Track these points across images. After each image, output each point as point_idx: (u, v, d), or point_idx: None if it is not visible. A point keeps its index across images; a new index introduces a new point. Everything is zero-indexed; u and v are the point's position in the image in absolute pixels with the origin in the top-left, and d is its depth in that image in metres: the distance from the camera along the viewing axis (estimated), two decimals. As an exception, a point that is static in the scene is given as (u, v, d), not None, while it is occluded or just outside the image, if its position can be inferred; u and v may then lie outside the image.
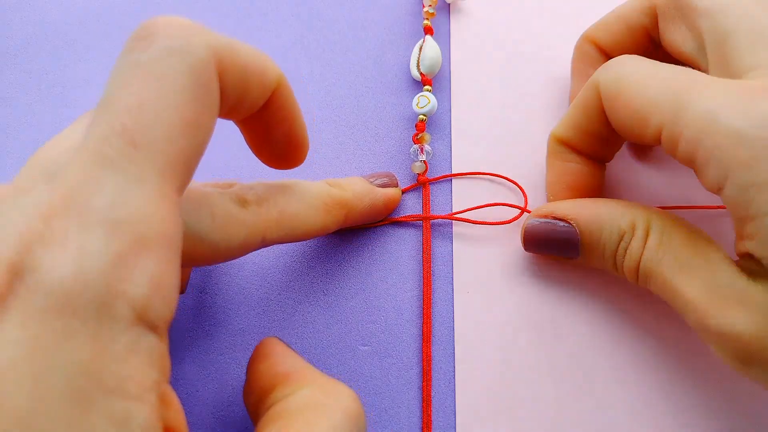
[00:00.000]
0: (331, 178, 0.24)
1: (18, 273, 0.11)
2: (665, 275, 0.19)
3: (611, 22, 0.25)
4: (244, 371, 0.19)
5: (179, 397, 0.22)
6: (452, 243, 0.25)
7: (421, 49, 0.28)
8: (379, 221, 0.25)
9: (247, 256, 0.25)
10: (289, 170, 0.22)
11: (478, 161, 0.27)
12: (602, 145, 0.23)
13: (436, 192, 0.26)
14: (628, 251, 0.21)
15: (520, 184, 0.26)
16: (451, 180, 0.27)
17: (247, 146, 0.20)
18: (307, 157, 0.21)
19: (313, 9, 0.31)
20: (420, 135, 0.26)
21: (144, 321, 0.12)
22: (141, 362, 0.12)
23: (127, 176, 0.12)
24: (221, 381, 0.23)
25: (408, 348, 0.23)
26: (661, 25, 0.23)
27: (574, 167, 0.23)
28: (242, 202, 0.18)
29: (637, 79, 0.20)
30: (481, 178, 0.26)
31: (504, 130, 0.27)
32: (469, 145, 0.27)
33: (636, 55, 0.21)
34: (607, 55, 0.25)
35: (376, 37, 0.30)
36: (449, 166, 0.27)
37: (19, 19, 0.32)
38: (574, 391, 0.22)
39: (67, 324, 0.11)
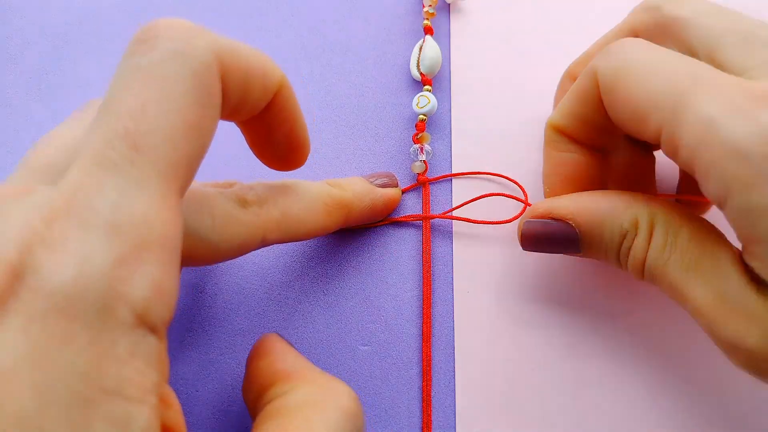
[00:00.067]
0: (331, 178, 0.24)
1: (19, 275, 0.11)
2: (672, 277, 0.18)
3: (592, 56, 0.23)
4: (244, 371, 0.19)
5: (179, 397, 0.22)
6: (452, 243, 0.25)
7: (421, 49, 0.28)
8: (379, 221, 0.25)
9: (247, 256, 0.25)
10: (290, 171, 0.22)
11: (478, 161, 0.27)
12: (601, 135, 0.22)
13: (436, 192, 0.26)
14: (632, 251, 0.20)
15: (520, 183, 0.26)
16: (451, 180, 0.27)
17: (247, 147, 0.20)
18: (307, 158, 0.21)
19: (313, 9, 0.31)
20: (420, 135, 0.26)
21: (144, 323, 0.12)
22: (141, 364, 0.12)
23: (129, 179, 0.12)
24: (221, 381, 0.23)
25: (408, 348, 0.23)
26: None
27: (572, 158, 0.22)
28: (243, 202, 0.18)
29: (638, 71, 0.18)
30: (481, 178, 0.26)
31: (504, 130, 0.27)
32: (469, 145, 0.27)
33: (639, 40, 0.20)
34: None
35: (376, 37, 0.30)
36: (449, 166, 0.27)
37: (19, 19, 0.32)
38: (574, 390, 0.22)
39: (69, 327, 0.11)
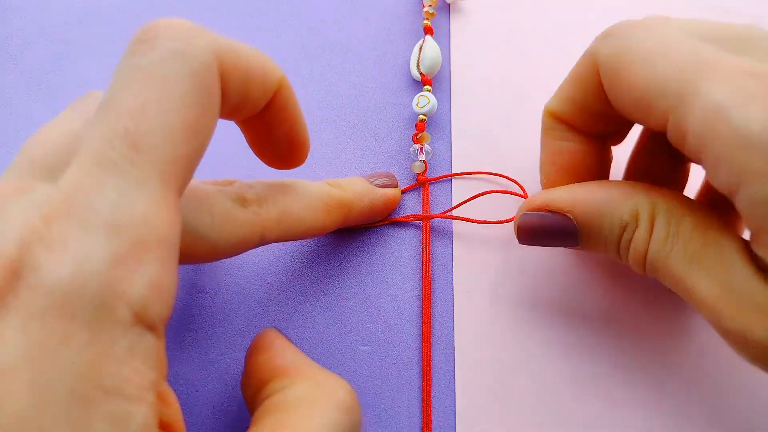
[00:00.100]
0: (331, 178, 0.24)
1: (18, 273, 0.11)
2: (675, 269, 0.18)
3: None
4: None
5: (179, 397, 0.22)
6: (452, 243, 0.25)
7: (421, 49, 0.28)
8: (379, 221, 0.25)
9: (246, 256, 0.25)
10: (289, 170, 0.22)
11: (478, 161, 0.27)
12: (600, 122, 0.21)
13: (436, 192, 0.26)
14: (632, 243, 0.19)
15: (520, 183, 0.26)
16: (451, 180, 0.27)
17: (246, 145, 0.20)
18: (308, 157, 0.21)
19: (313, 9, 0.31)
20: (420, 135, 0.26)
21: (143, 322, 0.12)
22: (140, 363, 0.12)
23: (128, 179, 0.12)
24: (221, 381, 0.23)
25: (408, 348, 0.23)
26: None
27: (570, 147, 0.21)
28: (242, 201, 0.18)
29: (641, 55, 0.17)
30: (481, 178, 0.26)
31: (504, 130, 0.27)
32: (469, 145, 0.27)
33: (640, 21, 0.19)
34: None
35: (376, 37, 0.30)
36: (449, 166, 0.27)
37: (19, 19, 0.32)
38: (574, 390, 0.22)
39: (67, 326, 0.11)
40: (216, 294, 0.24)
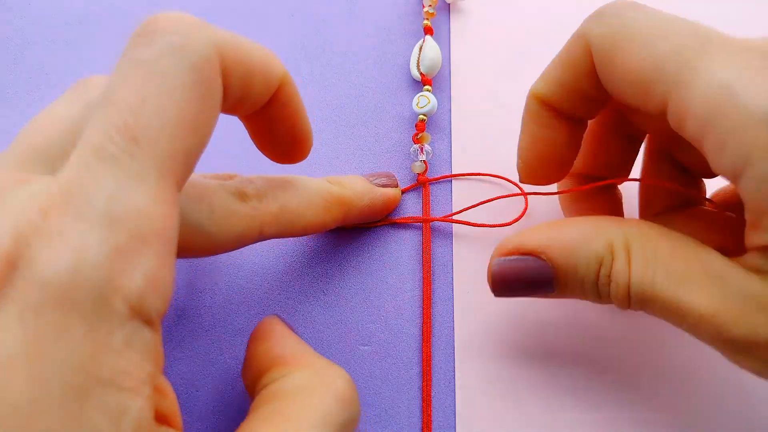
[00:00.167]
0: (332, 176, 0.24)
1: (15, 265, 0.11)
2: (663, 296, 0.17)
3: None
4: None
5: (179, 397, 0.22)
6: (452, 243, 0.25)
7: (421, 49, 0.28)
8: (379, 222, 0.25)
9: (247, 255, 0.25)
10: (290, 166, 0.22)
11: (478, 161, 0.27)
12: (589, 105, 0.20)
13: (436, 192, 0.26)
14: (613, 277, 0.18)
15: (519, 185, 0.26)
16: (450, 180, 0.27)
17: (247, 140, 0.20)
18: (307, 158, 0.21)
19: (313, 9, 0.31)
20: (420, 135, 0.26)
21: (140, 315, 0.12)
22: (136, 355, 0.12)
23: (127, 173, 0.12)
24: (221, 381, 0.23)
25: (408, 348, 0.23)
26: None
27: (552, 135, 0.21)
28: (242, 195, 0.19)
29: (637, 36, 0.17)
30: (481, 179, 0.26)
31: (504, 130, 0.27)
32: (469, 145, 0.27)
33: (633, 0, 0.18)
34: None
35: (376, 37, 0.30)
36: (449, 166, 0.27)
37: (19, 19, 0.32)
38: (574, 390, 0.22)
39: (65, 318, 0.11)
40: (216, 294, 0.24)
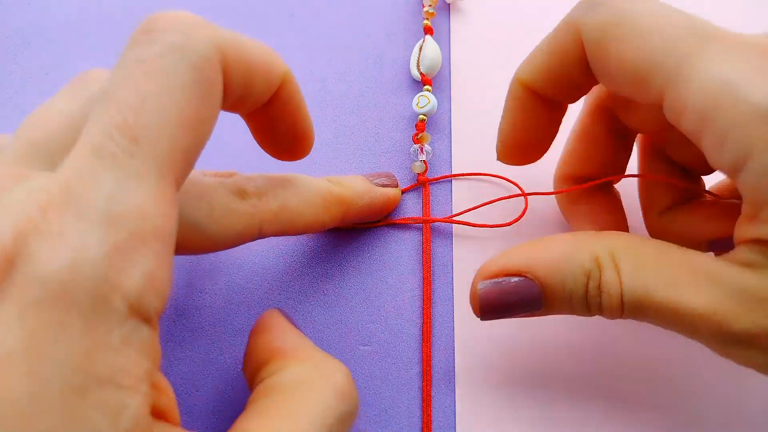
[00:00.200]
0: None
1: (13, 262, 0.11)
2: (658, 298, 0.17)
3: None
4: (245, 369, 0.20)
5: (179, 397, 0.22)
6: (452, 243, 0.25)
7: (421, 49, 0.28)
8: (379, 222, 0.25)
9: (247, 255, 0.25)
10: (291, 166, 0.22)
11: (478, 161, 0.27)
12: (573, 90, 0.20)
13: (436, 192, 0.26)
14: (603, 288, 0.17)
15: (519, 185, 0.26)
16: (451, 180, 0.27)
17: (249, 137, 0.20)
18: (307, 158, 0.21)
19: (313, 9, 0.31)
20: (420, 135, 0.26)
21: (138, 313, 0.12)
22: (134, 353, 0.12)
23: (126, 171, 0.12)
24: (221, 381, 0.23)
25: (408, 348, 0.23)
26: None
27: (533, 119, 0.21)
28: (241, 193, 0.19)
29: (633, 28, 0.17)
30: (481, 179, 0.26)
31: (504, 130, 0.27)
32: (469, 145, 0.27)
33: None
34: None
35: (376, 37, 0.30)
36: (449, 166, 0.27)
37: (19, 19, 0.32)
38: (574, 390, 0.22)
39: (63, 316, 0.11)
40: (216, 294, 0.24)
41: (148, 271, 0.12)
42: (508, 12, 0.30)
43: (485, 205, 0.25)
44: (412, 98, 0.28)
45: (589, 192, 0.23)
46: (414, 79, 0.29)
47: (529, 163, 0.23)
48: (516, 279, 0.19)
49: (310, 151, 0.21)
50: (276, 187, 0.20)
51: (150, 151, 0.13)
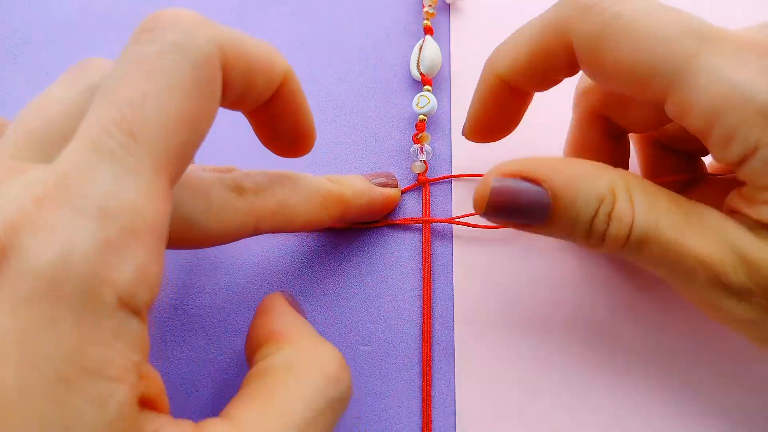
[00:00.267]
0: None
1: (4, 254, 0.12)
2: (666, 237, 0.17)
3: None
4: (245, 371, 0.20)
5: (179, 396, 0.22)
6: (452, 243, 0.25)
7: (421, 49, 0.28)
8: (379, 222, 0.25)
9: (247, 255, 0.25)
10: (291, 165, 0.22)
11: (478, 161, 0.27)
12: (551, 84, 0.21)
13: (436, 192, 0.26)
14: (614, 216, 0.18)
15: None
16: (451, 180, 0.27)
17: (250, 133, 0.20)
18: (307, 158, 0.21)
19: (313, 9, 0.31)
20: (420, 135, 0.26)
21: (128, 307, 0.12)
22: (122, 346, 0.12)
23: (123, 167, 0.13)
24: (221, 381, 0.23)
25: (408, 348, 0.23)
26: None
27: (504, 109, 0.22)
28: (239, 189, 0.19)
29: (627, 32, 0.17)
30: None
31: (504, 130, 0.27)
32: (469, 145, 0.27)
33: None
34: None
35: (376, 37, 0.30)
36: (449, 166, 0.27)
37: (19, 19, 0.32)
38: (574, 390, 0.22)
39: (54, 309, 0.11)
40: (216, 293, 0.24)
41: (139, 265, 0.12)
42: (508, 12, 0.30)
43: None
44: (412, 98, 0.28)
45: None
46: (414, 79, 0.29)
47: (495, 141, 0.24)
48: (530, 184, 0.19)
49: (311, 148, 0.21)
50: (274, 184, 0.20)
51: (147, 148, 0.13)
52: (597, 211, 0.18)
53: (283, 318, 0.19)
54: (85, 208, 0.12)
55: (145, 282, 0.13)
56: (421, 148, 0.26)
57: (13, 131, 0.15)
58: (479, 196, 0.20)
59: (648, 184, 0.18)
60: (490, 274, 0.24)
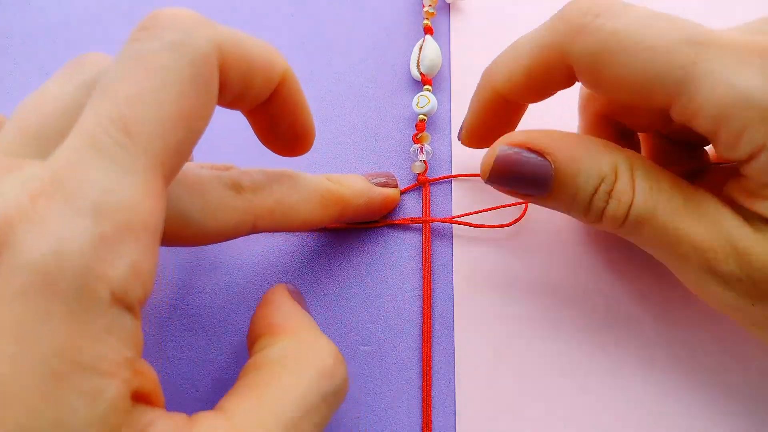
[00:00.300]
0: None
1: None
2: (663, 220, 0.18)
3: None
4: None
5: (179, 396, 0.22)
6: (452, 243, 0.25)
7: (421, 49, 0.28)
8: (379, 222, 0.25)
9: (247, 255, 0.25)
10: (291, 164, 0.22)
11: (478, 161, 0.27)
12: (547, 97, 0.21)
13: (436, 192, 0.26)
14: (614, 195, 0.18)
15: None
16: (451, 180, 0.27)
17: (249, 131, 0.20)
18: (307, 158, 0.21)
19: (313, 9, 0.31)
20: (420, 135, 0.26)
21: (121, 303, 0.12)
22: (116, 341, 0.12)
23: (118, 164, 0.13)
24: (221, 381, 0.23)
25: (408, 348, 0.23)
26: None
27: (500, 119, 0.22)
28: (237, 187, 0.19)
29: (626, 48, 0.17)
30: (480, 179, 0.26)
31: (504, 130, 0.27)
32: (469, 145, 0.27)
33: (605, 5, 0.18)
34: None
35: (376, 37, 0.30)
36: (449, 166, 0.27)
37: (19, 19, 0.32)
38: (575, 390, 0.22)
39: (48, 304, 0.11)
40: (216, 293, 0.24)
41: (133, 261, 0.12)
42: (508, 12, 0.30)
43: (487, 210, 0.25)
44: (412, 98, 0.28)
45: None
46: (414, 79, 0.29)
47: (486, 147, 0.24)
48: (535, 155, 0.19)
49: (310, 147, 0.21)
50: (273, 183, 0.20)
51: (143, 146, 0.13)
52: (597, 188, 0.19)
53: (281, 310, 0.19)
54: (81, 205, 0.12)
55: (139, 279, 0.13)
56: (421, 148, 0.26)
57: (9, 127, 0.15)
58: (485, 162, 0.21)
59: (653, 166, 0.19)
60: (490, 274, 0.24)
